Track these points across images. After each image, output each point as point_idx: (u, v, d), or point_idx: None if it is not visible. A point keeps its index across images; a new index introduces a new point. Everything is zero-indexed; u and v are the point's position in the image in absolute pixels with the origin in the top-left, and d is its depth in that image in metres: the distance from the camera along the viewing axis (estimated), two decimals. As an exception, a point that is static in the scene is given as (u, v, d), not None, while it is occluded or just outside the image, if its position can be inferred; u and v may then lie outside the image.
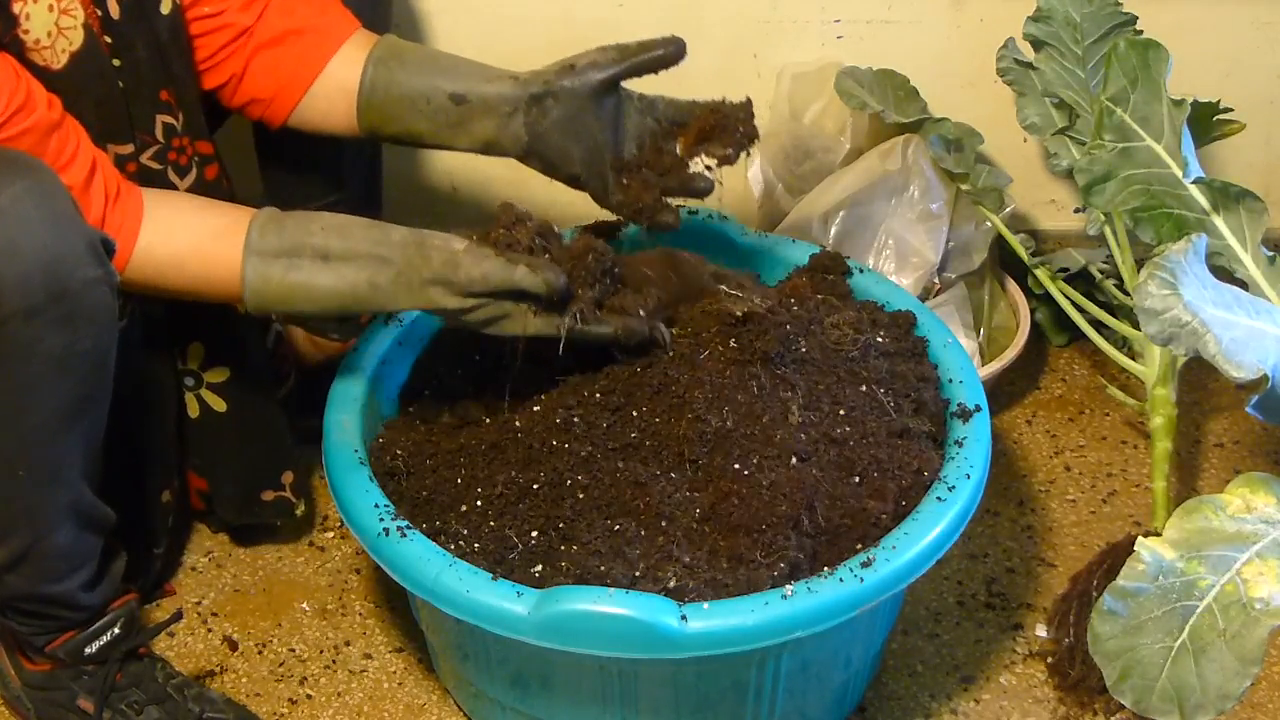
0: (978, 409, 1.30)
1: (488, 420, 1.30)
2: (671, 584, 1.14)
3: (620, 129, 1.34)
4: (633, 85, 1.35)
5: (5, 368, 1.07)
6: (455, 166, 1.85)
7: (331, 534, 1.58)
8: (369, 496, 1.21)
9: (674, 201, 1.37)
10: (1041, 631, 1.45)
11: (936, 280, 1.69)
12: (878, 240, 1.67)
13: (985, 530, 1.58)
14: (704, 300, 1.33)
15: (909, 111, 1.69)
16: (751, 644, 1.11)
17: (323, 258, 1.19)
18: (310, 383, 1.54)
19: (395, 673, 1.42)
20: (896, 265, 1.66)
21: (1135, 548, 1.26)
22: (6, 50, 1.14)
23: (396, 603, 1.48)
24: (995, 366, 1.65)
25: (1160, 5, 1.67)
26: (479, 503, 1.22)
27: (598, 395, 1.26)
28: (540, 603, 1.11)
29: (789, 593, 1.11)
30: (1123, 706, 1.26)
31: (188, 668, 1.42)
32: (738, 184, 1.83)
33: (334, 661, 1.44)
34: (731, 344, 1.28)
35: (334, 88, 1.34)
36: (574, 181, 1.35)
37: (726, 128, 1.35)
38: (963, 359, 1.36)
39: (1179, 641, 1.23)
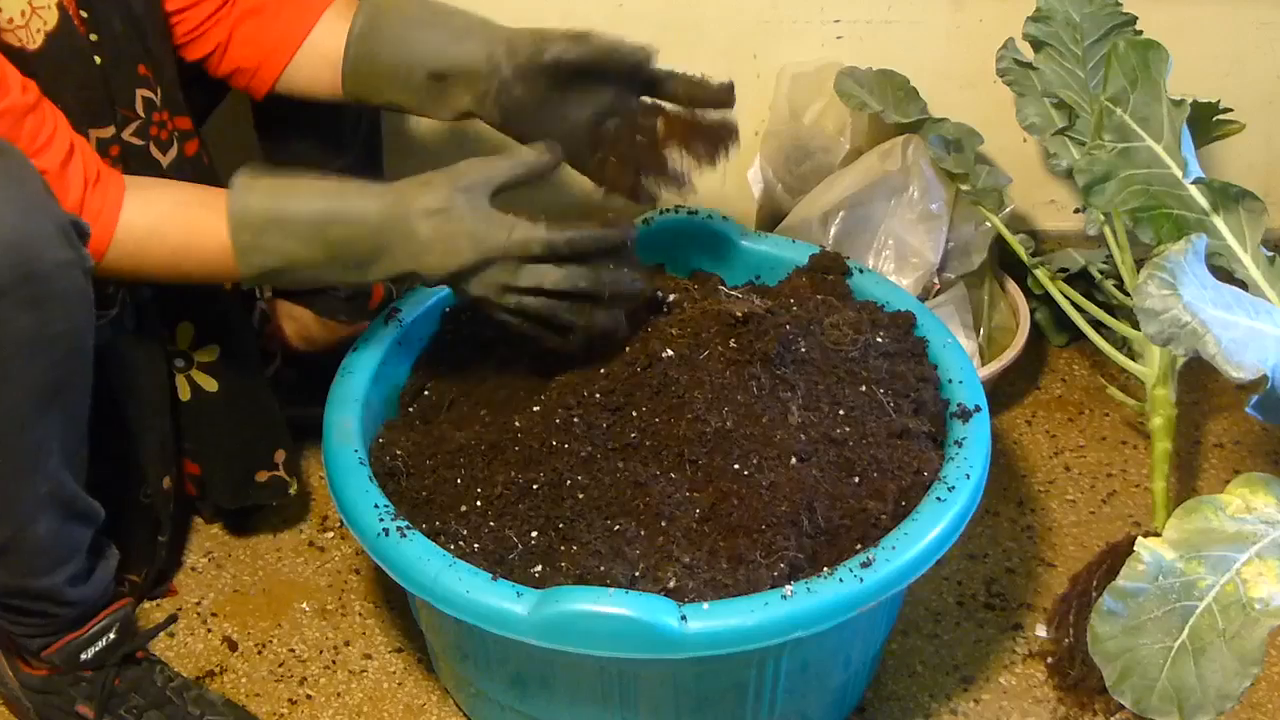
0: (977, 409, 1.30)
1: (487, 420, 1.30)
2: (671, 584, 1.14)
3: (598, 105, 1.32)
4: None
5: None
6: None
7: (331, 534, 1.58)
8: (369, 496, 1.21)
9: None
10: (1041, 631, 1.45)
11: (936, 280, 1.69)
12: (877, 240, 1.67)
13: (985, 530, 1.58)
14: (705, 300, 1.34)
15: (909, 112, 1.69)
16: (751, 644, 1.11)
17: (316, 187, 1.19)
18: (309, 371, 1.55)
19: (395, 673, 1.42)
20: (896, 265, 1.66)
21: (1135, 548, 1.26)
22: None
23: (396, 603, 1.48)
24: (995, 367, 1.65)
25: (1160, 5, 1.67)
26: (479, 503, 1.23)
27: (598, 395, 1.26)
28: (540, 603, 1.11)
29: (789, 593, 1.11)
30: (1122, 707, 1.26)
31: (187, 668, 1.42)
32: (738, 184, 1.83)
33: (334, 662, 1.44)
34: (731, 344, 1.28)
35: (318, 56, 1.34)
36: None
37: (708, 135, 1.34)
38: (962, 359, 1.36)
39: (1179, 642, 1.23)
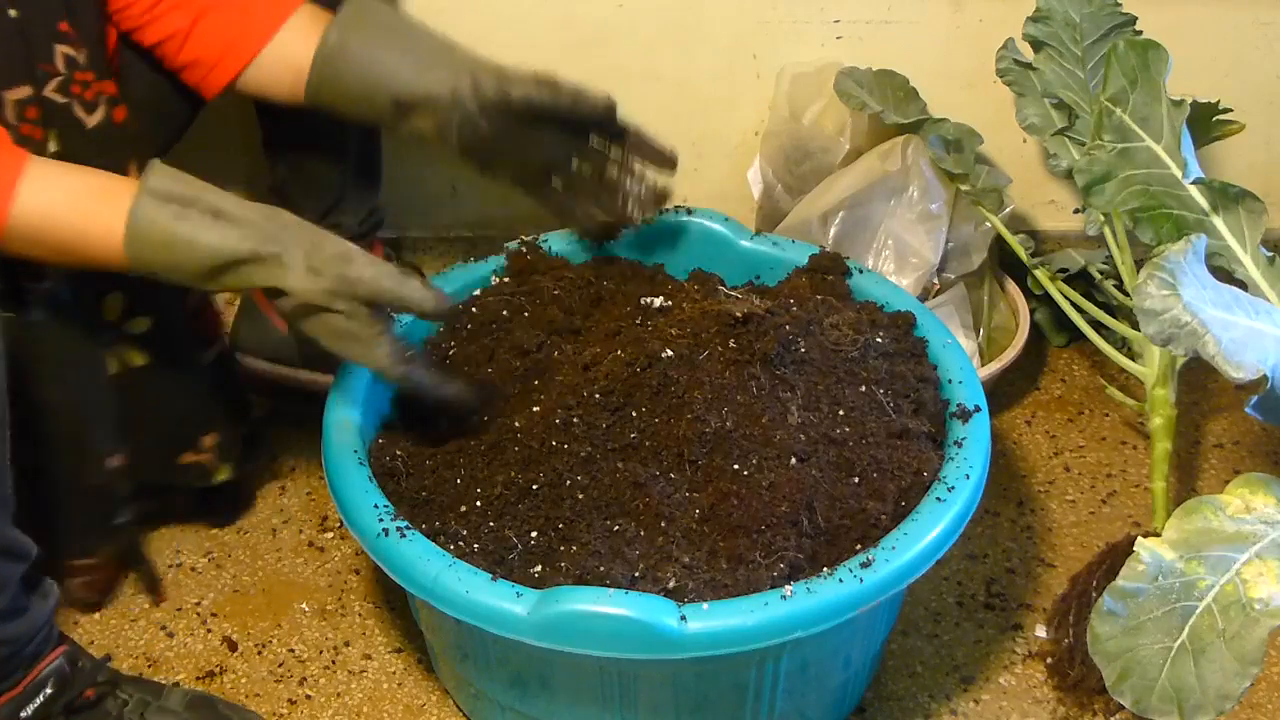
0: (977, 409, 1.30)
1: (487, 420, 1.30)
2: (671, 584, 1.14)
3: (554, 143, 1.37)
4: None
5: None
6: (456, 168, 1.85)
7: (331, 534, 1.58)
8: (369, 497, 1.21)
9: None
10: (1041, 632, 1.45)
11: (936, 281, 1.69)
12: (877, 241, 1.67)
13: (985, 530, 1.58)
14: (704, 300, 1.34)
15: (908, 112, 1.69)
16: (751, 644, 1.11)
17: (213, 214, 1.16)
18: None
19: (395, 673, 1.42)
20: (896, 266, 1.66)
21: (1135, 548, 1.26)
22: None
23: (396, 603, 1.48)
24: (995, 367, 1.65)
25: (1160, 5, 1.67)
26: (479, 503, 1.23)
27: (597, 395, 1.26)
28: (540, 603, 1.11)
29: (788, 593, 1.11)
30: (1122, 707, 1.26)
31: (187, 668, 1.42)
32: (738, 184, 1.83)
33: (334, 662, 1.44)
34: (731, 344, 1.28)
35: (280, 60, 1.32)
36: (515, 185, 1.39)
37: (646, 192, 1.42)
38: (962, 359, 1.36)
39: (1178, 642, 1.23)
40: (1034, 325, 1.77)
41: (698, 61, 1.80)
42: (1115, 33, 1.62)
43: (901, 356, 1.35)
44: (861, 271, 1.47)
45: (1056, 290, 1.69)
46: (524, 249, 1.48)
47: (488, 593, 1.12)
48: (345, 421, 1.29)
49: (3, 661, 1.22)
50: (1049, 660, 1.42)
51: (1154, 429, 1.49)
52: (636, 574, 1.15)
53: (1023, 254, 1.70)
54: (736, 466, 1.21)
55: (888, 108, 1.69)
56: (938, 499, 1.20)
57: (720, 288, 1.42)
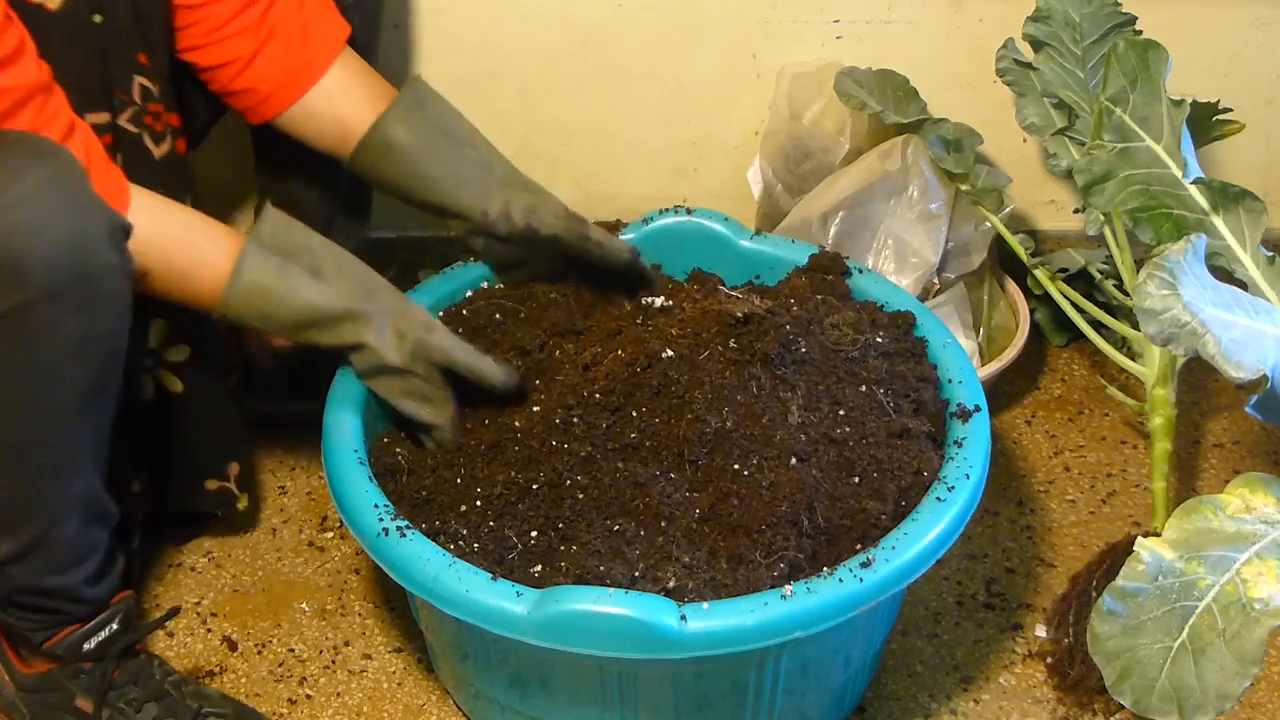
0: (977, 409, 1.30)
1: (487, 420, 1.30)
2: (671, 584, 1.14)
3: (578, 274, 1.44)
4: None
5: (28, 351, 1.08)
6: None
7: (331, 534, 1.58)
8: (369, 496, 1.21)
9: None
10: (1041, 631, 1.45)
11: (936, 280, 1.69)
12: (877, 240, 1.67)
13: (985, 530, 1.58)
14: (705, 300, 1.34)
15: (908, 112, 1.69)
16: (751, 644, 1.11)
17: (313, 272, 1.24)
18: (283, 368, 1.59)
19: (395, 673, 1.42)
20: (896, 265, 1.66)
21: (1135, 548, 1.26)
22: None
23: (396, 603, 1.48)
24: (995, 367, 1.65)
25: (1160, 5, 1.67)
26: (479, 503, 1.23)
27: (598, 395, 1.26)
28: (540, 603, 1.11)
29: (788, 593, 1.11)
30: (1122, 707, 1.26)
31: (187, 667, 1.42)
32: (738, 184, 1.83)
33: (334, 662, 1.44)
34: (731, 344, 1.28)
35: (325, 117, 1.38)
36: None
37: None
38: (962, 359, 1.36)
39: (1178, 642, 1.23)
40: (1034, 325, 1.77)
41: (697, 61, 1.80)
42: (1115, 32, 1.62)
43: (901, 356, 1.35)
44: (861, 271, 1.47)
45: (1056, 290, 1.69)
46: None
47: (488, 592, 1.12)
48: (345, 421, 1.29)
49: (83, 617, 1.27)
50: (1049, 660, 1.42)
51: (1154, 429, 1.49)
52: (636, 574, 1.15)
53: (1023, 254, 1.70)
54: (737, 466, 1.21)
55: (888, 108, 1.69)
56: (938, 499, 1.20)
57: (720, 287, 1.42)
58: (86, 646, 1.27)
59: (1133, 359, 1.58)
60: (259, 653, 1.45)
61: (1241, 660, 1.21)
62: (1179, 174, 1.41)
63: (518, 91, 1.78)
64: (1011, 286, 1.77)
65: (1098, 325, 1.67)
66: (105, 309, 1.11)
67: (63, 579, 1.23)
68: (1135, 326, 1.45)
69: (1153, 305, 1.24)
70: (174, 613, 1.37)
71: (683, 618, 1.10)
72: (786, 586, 1.12)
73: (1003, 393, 1.76)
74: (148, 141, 1.31)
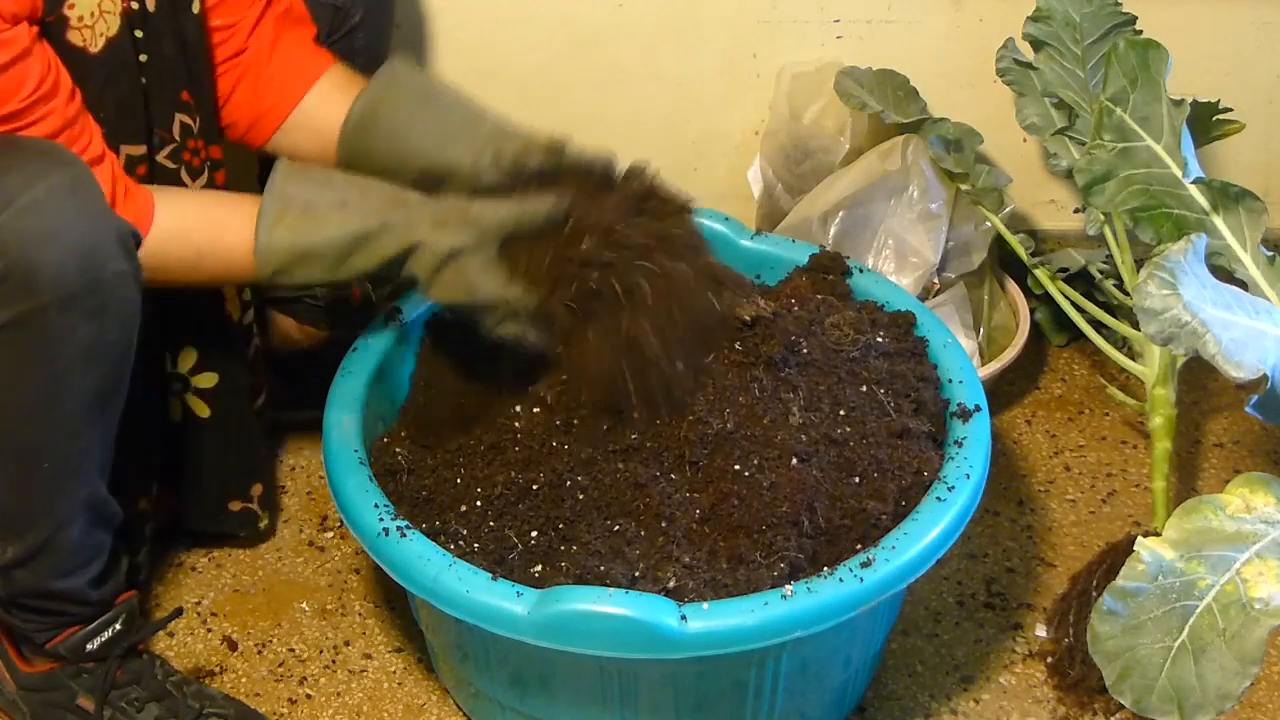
0: (977, 409, 1.30)
1: (488, 421, 1.30)
2: (671, 584, 1.14)
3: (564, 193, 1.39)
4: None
5: (39, 357, 1.09)
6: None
7: (331, 534, 1.58)
8: (369, 496, 1.21)
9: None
10: (1041, 631, 1.45)
11: (936, 280, 1.69)
12: (877, 240, 1.67)
13: (985, 530, 1.58)
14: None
15: (908, 111, 1.69)
16: (751, 644, 1.11)
17: (340, 205, 1.21)
18: (287, 374, 1.59)
19: (395, 673, 1.42)
20: (896, 265, 1.66)
21: (1135, 548, 1.26)
22: (49, 30, 1.14)
23: (396, 603, 1.48)
24: (995, 366, 1.65)
25: (1160, 5, 1.67)
26: (479, 503, 1.23)
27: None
28: (540, 603, 1.11)
29: (789, 593, 1.11)
30: (1122, 706, 1.26)
31: (187, 667, 1.42)
32: (738, 184, 1.83)
33: (334, 661, 1.44)
34: (736, 347, 1.28)
35: (309, 127, 1.36)
36: None
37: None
38: (962, 359, 1.36)
39: (1178, 641, 1.23)
40: (1034, 325, 1.77)
41: (697, 61, 1.80)
42: (1115, 32, 1.62)
43: (902, 356, 1.35)
44: (862, 271, 1.47)
45: (1056, 290, 1.69)
46: None
47: (488, 592, 1.12)
48: (345, 421, 1.29)
49: (86, 617, 1.27)
50: (1049, 660, 1.42)
51: (1154, 428, 1.49)
52: (637, 574, 1.15)
53: (1023, 253, 1.70)
54: (737, 467, 1.21)
55: (888, 107, 1.69)
56: (938, 499, 1.20)
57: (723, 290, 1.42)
58: (89, 647, 1.28)
59: (1133, 359, 1.58)
60: (259, 652, 1.45)
61: (1242, 660, 1.21)
62: (1179, 174, 1.42)
63: (518, 91, 1.78)
64: (1012, 286, 1.77)
65: (1098, 325, 1.67)
66: (115, 316, 1.11)
67: (68, 582, 1.23)
68: (1135, 326, 1.45)
69: (1153, 305, 1.24)
70: (177, 613, 1.37)
71: (683, 618, 1.10)
72: (787, 586, 1.12)
73: (1003, 392, 1.76)
74: (184, 176, 1.32)
